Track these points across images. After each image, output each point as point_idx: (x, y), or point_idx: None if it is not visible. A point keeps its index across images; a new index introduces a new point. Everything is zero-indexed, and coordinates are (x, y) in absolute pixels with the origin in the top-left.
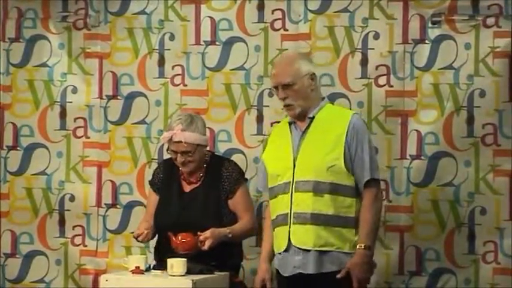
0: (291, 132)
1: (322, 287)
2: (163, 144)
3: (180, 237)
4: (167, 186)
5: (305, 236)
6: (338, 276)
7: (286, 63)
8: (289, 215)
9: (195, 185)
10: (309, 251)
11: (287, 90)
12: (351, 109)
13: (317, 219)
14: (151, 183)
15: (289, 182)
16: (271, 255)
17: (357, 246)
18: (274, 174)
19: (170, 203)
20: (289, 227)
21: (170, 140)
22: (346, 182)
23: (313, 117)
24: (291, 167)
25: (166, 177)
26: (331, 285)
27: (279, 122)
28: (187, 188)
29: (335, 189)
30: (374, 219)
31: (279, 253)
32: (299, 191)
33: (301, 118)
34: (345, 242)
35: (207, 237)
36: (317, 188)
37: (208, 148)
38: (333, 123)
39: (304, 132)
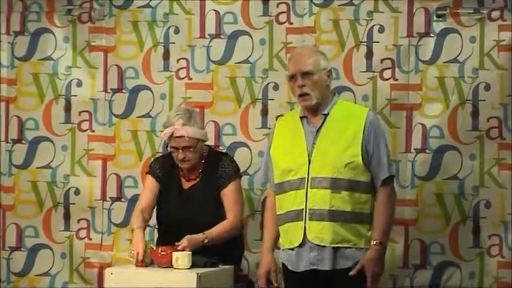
0: (303, 127)
1: (336, 283)
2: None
3: (159, 250)
4: (167, 183)
5: (322, 233)
6: (351, 273)
7: (308, 53)
8: (304, 211)
9: (194, 182)
10: (324, 247)
11: (306, 79)
12: (355, 103)
13: (335, 216)
14: (150, 172)
15: (304, 178)
16: (274, 246)
17: (372, 242)
18: (286, 169)
19: (170, 200)
20: (305, 223)
21: (171, 136)
22: (362, 178)
23: (328, 114)
24: (306, 162)
25: (165, 173)
26: (345, 281)
27: (282, 115)
28: (186, 185)
29: (352, 186)
30: (390, 216)
31: (291, 249)
32: (315, 187)
33: (314, 113)
34: (360, 237)
35: (185, 246)
36: (335, 185)
37: (206, 142)
38: (348, 120)
39: (319, 129)
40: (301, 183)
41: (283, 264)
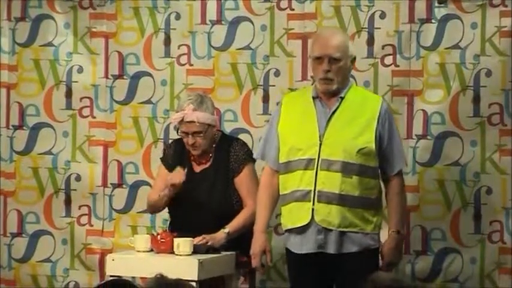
0: (315, 107)
1: (340, 267)
2: (169, 124)
3: (159, 237)
4: (178, 167)
5: (330, 216)
6: (381, 268)
7: (337, 37)
8: (312, 192)
9: (205, 166)
10: (331, 230)
11: (332, 65)
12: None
13: (344, 200)
14: (163, 159)
15: (314, 159)
16: (267, 225)
17: (389, 231)
18: (295, 148)
19: (182, 184)
20: (313, 204)
21: (181, 121)
22: (372, 164)
23: (343, 97)
24: (317, 143)
25: (177, 157)
26: (349, 266)
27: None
28: (197, 169)
29: (363, 171)
30: (405, 205)
31: (294, 230)
32: (325, 169)
33: (329, 95)
34: (367, 223)
35: (208, 241)
36: (346, 169)
37: (217, 128)
38: (363, 106)
39: (334, 111)
40: (310, 164)
41: (286, 249)
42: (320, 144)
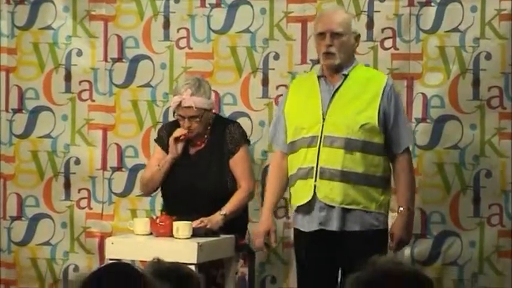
0: (319, 86)
1: (345, 245)
2: (168, 108)
3: (158, 220)
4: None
5: (332, 193)
6: (392, 248)
7: (340, 14)
8: (314, 169)
9: (200, 148)
10: (333, 207)
11: (334, 39)
12: None
13: (346, 176)
14: (157, 140)
15: (317, 136)
16: (275, 206)
17: (399, 209)
18: (299, 127)
19: (176, 166)
20: (315, 181)
21: (178, 105)
22: (376, 140)
23: (347, 75)
24: (320, 121)
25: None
26: (351, 245)
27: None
28: (192, 151)
29: (366, 148)
30: (413, 182)
31: (300, 208)
32: (328, 146)
33: (333, 73)
34: (371, 201)
35: (206, 225)
36: (349, 145)
37: (213, 111)
38: (367, 83)
39: (337, 89)
40: (313, 141)
41: (294, 229)
42: (323, 122)
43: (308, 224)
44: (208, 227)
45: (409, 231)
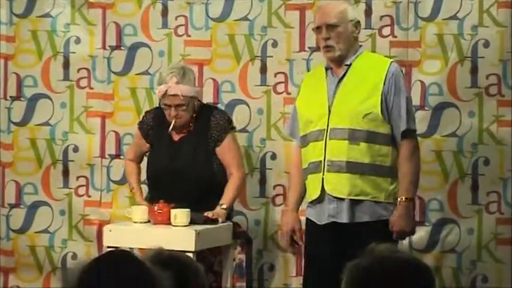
0: (326, 78)
1: (355, 237)
2: None
3: (156, 208)
4: (157, 136)
5: (340, 184)
6: (394, 237)
7: (334, 5)
8: (322, 162)
9: (184, 134)
10: (343, 199)
11: (331, 32)
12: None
13: (353, 167)
14: (140, 124)
15: (324, 129)
16: (299, 205)
17: (398, 199)
18: (308, 121)
19: (160, 152)
20: (323, 174)
21: (164, 94)
22: (382, 130)
23: (350, 65)
24: (326, 113)
25: (156, 126)
26: (363, 236)
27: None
28: (176, 137)
29: (371, 137)
30: (414, 171)
31: (312, 201)
32: (333, 138)
33: (338, 64)
34: (380, 191)
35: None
36: (353, 136)
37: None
38: (370, 71)
39: (341, 79)
40: (320, 135)
41: (307, 219)
42: (329, 114)
43: (319, 217)
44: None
45: (408, 221)
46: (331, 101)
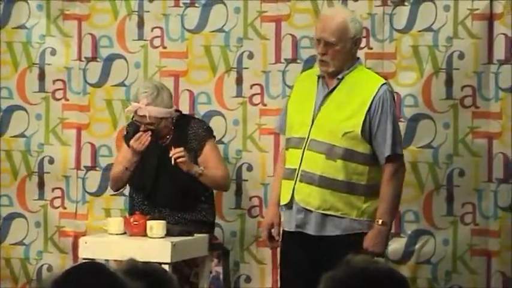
0: (317, 86)
1: (322, 250)
2: None
3: (132, 220)
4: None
5: (309, 197)
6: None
7: (337, 21)
8: (297, 171)
9: (165, 143)
10: (311, 211)
11: (328, 48)
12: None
13: (324, 182)
14: (125, 138)
15: (304, 138)
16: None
17: (375, 221)
18: (291, 125)
19: (142, 163)
20: (295, 183)
21: (135, 112)
22: (360, 149)
23: (342, 78)
24: (309, 123)
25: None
26: (331, 249)
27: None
28: (160, 142)
29: (348, 155)
30: (393, 195)
31: (283, 206)
32: (311, 150)
33: (331, 76)
34: (352, 208)
35: (183, 156)
36: (331, 152)
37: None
38: (360, 89)
39: (331, 91)
40: (300, 143)
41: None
42: (311, 124)
43: (288, 224)
44: (181, 160)
45: (379, 244)
46: (317, 112)
